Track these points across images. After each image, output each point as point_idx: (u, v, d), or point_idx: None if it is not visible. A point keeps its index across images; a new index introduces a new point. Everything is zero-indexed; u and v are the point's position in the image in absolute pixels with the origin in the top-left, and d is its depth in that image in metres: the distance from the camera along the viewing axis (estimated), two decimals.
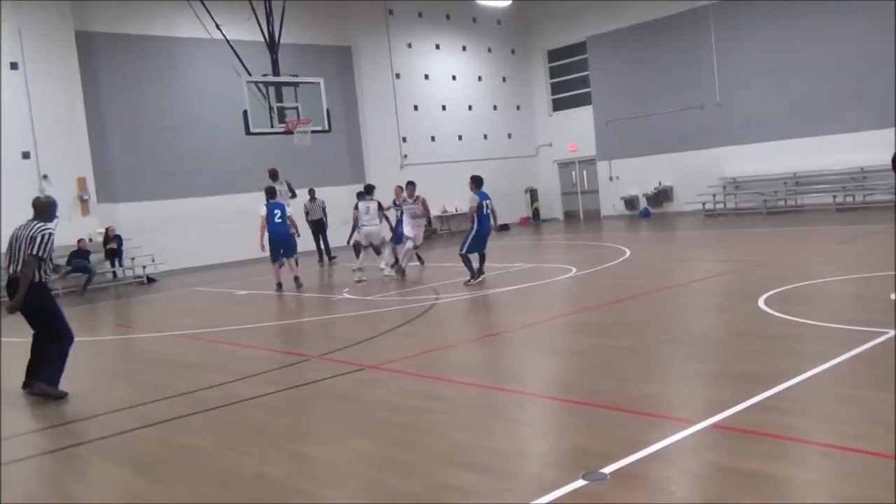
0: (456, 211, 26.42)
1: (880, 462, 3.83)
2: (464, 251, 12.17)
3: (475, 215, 12.23)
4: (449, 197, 26.13)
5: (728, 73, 23.48)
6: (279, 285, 13.63)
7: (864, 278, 9.19)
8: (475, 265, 12.28)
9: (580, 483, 3.87)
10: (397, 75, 25.56)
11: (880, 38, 20.16)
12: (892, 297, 7.45)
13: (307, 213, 19.80)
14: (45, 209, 7.19)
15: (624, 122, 26.21)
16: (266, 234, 13.66)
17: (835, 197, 20.85)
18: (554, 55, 29.27)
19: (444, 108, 26.83)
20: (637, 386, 5.67)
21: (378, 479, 4.31)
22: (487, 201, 12.38)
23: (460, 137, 27.15)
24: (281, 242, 13.76)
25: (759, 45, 22.74)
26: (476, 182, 12.50)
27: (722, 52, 23.56)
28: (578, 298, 10.47)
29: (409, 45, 25.95)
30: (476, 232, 12.22)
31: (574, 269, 12.84)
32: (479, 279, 12.10)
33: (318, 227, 19.85)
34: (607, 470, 3.99)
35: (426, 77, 26.42)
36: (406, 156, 25.48)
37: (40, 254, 6.75)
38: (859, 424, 4.43)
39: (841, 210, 20.32)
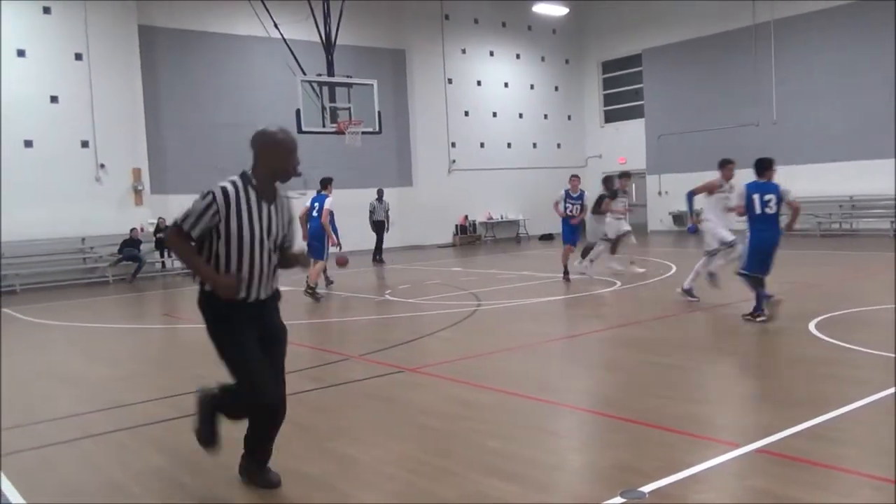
0: (501, 218, 26.45)
1: None
2: (744, 269, 8.48)
3: (747, 217, 8.45)
4: (496, 204, 26.24)
5: (787, 90, 23.00)
6: (328, 281, 13.73)
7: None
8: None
9: (618, 500, 3.80)
10: (450, 80, 25.63)
11: None
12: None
13: (372, 213, 20.02)
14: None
15: (676, 136, 25.85)
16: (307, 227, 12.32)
17: (892, 222, 20.26)
18: (608, 66, 29.05)
19: (494, 114, 26.80)
20: (681, 405, 5.56)
21: (414, 482, 4.30)
22: (767, 195, 8.41)
23: (509, 145, 27.10)
24: (311, 238, 12.26)
25: (820, 65, 22.23)
26: (756, 166, 8.55)
27: (781, 69, 23.09)
28: (622, 312, 10.34)
29: (464, 51, 26.01)
30: (751, 241, 8.44)
31: (618, 283, 12.69)
32: (765, 317, 8.47)
33: (380, 228, 20.05)
34: (646, 489, 3.91)
35: (478, 83, 26.44)
36: (454, 161, 25.54)
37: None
38: None
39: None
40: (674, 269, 14.50)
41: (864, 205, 21.51)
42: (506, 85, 27.17)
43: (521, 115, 27.55)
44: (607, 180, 14.13)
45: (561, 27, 28.39)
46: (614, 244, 13.72)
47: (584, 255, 13.85)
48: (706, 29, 24.86)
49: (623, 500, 3.80)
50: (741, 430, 5.01)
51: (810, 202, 22.49)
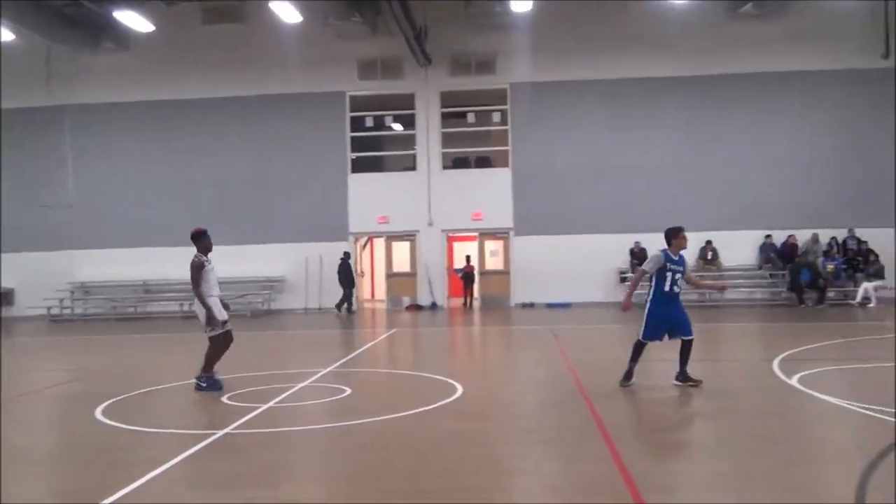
0: None
1: None
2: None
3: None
4: None
5: (85, 175, 23.06)
6: None
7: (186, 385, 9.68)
8: None
9: None
10: None
11: (254, 163, 22.75)
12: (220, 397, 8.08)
13: None
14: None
15: None
16: None
17: (181, 305, 22.06)
18: None
19: None
20: None
21: None
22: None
23: None
24: None
25: (118, 153, 23.16)
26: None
27: (79, 153, 23.10)
28: None
29: None
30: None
31: None
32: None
33: None
34: None
35: None
36: None
37: None
38: None
39: (186, 317, 21.54)
40: None
41: (158, 289, 22.92)
42: None
43: None
44: None
45: None
46: None
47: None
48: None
49: None
50: None
51: (107, 286, 22.93)
